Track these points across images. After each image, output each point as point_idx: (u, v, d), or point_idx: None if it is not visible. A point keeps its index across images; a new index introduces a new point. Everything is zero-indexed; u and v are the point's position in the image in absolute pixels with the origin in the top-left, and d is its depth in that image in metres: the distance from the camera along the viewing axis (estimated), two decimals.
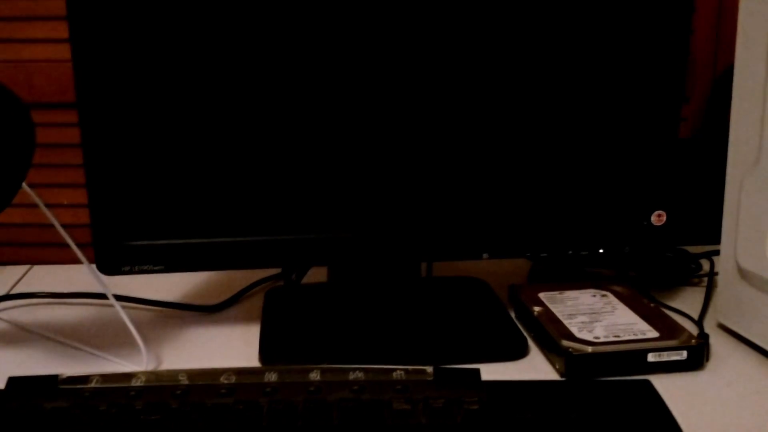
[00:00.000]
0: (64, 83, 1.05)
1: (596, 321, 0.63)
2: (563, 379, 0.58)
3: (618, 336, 0.60)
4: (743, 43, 0.61)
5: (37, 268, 0.85)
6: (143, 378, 0.52)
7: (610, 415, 0.51)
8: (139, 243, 0.62)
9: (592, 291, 0.69)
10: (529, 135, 0.64)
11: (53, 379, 0.52)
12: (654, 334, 0.60)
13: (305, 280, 0.77)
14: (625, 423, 0.50)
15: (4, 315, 0.72)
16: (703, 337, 0.62)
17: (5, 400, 0.50)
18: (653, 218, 0.65)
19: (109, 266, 0.62)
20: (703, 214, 0.72)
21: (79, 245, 0.63)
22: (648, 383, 0.54)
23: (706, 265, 0.78)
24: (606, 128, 0.64)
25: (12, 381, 0.52)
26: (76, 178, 1.07)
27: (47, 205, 0.62)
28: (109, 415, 0.48)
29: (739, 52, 0.61)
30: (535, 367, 0.61)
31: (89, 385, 0.51)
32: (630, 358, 0.58)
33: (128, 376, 0.53)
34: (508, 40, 0.61)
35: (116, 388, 0.51)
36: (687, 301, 0.71)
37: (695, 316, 0.68)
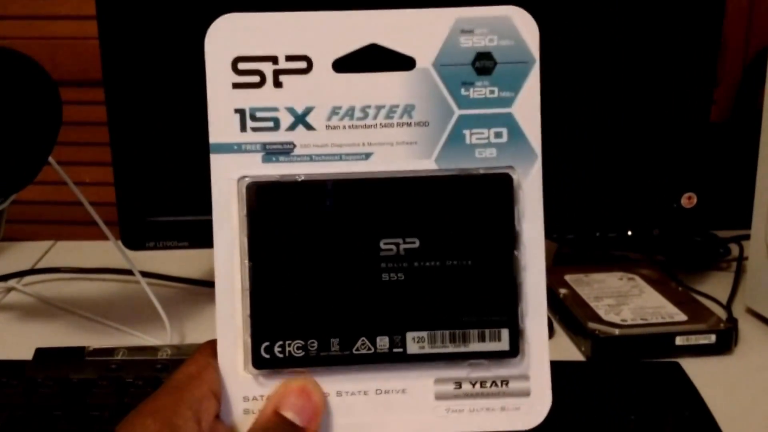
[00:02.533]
0: (89, 60, 1.04)
1: (623, 304, 0.62)
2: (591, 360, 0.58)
3: (645, 319, 0.59)
4: None
5: (61, 243, 0.85)
6: (169, 351, 0.52)
7: (638, 397, 0.50)
8: (164, 219, 0.62)
9: (619, 274, 0.68)
10: (559, 115, 0.63)
11: (80, 350, 0.52)
12: (682, 317, 0.60)
13: None
14: (654, 404, 0.49)
15: (29, 289, 0.72)
16: (732, 321, 0.61)
17: (33, 371, 0.50)
18: (683, 200, 0.64)
19: (134, 241, 0.62)
20: (733, 198, 0.71)
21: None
22: (677, 365, 0.54)
23: (735, 249, 0.77)
24: (636, 109, 0.63)
25: (39, 352, 0.53)
26: (98, 156, 1.07)
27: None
28: (135, 386, 0.48)
29: None
30: (560, 349, 0.60)
31: (115, 358, 0.51)
32: (658, 341, 0.58)
33: (154, 349, 0.53)
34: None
35: (142, 360, 0.51)
36: (715, 286, 0.70)
37: (724, 300, 0.67)
